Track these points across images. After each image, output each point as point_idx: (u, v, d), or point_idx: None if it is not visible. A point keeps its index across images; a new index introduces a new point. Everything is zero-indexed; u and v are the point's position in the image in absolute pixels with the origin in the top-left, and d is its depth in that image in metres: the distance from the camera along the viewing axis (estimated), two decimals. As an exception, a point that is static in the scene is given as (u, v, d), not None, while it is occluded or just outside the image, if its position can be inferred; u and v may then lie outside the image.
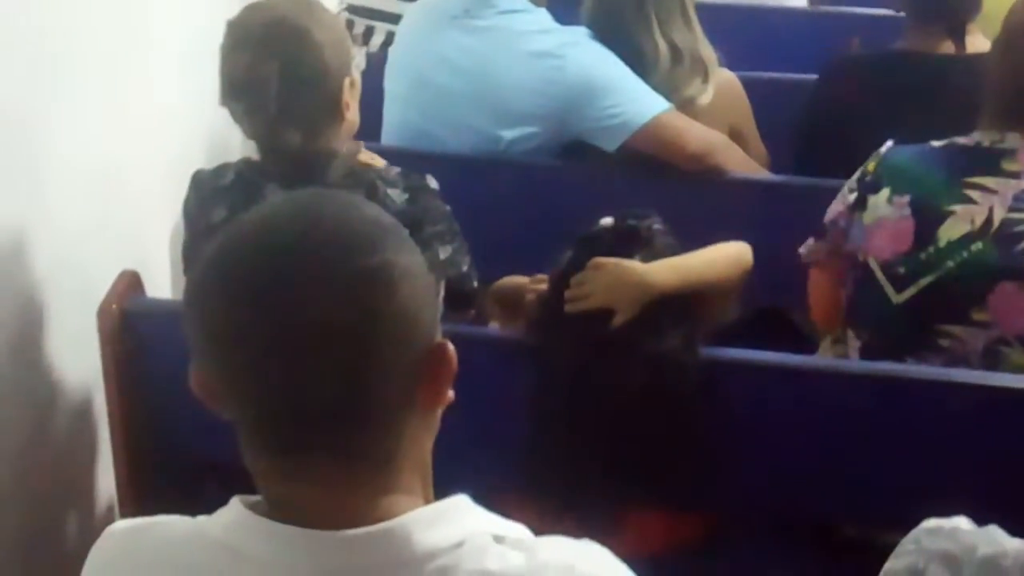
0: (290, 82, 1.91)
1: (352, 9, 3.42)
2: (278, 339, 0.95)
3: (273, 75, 1.90)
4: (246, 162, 2.05)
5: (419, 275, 1.01)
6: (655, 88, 2.63)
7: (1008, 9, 2.12)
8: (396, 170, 2.06)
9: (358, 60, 2.11)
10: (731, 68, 2.84)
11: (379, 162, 2.12)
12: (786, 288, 2.34)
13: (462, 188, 2.23)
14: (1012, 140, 2.02)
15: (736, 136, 2.75)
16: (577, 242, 2.00)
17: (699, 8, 2.82)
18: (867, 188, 2.10)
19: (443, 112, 2.69)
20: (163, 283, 2.58)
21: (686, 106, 2.67)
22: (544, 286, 2.02)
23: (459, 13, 2.70)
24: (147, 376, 2.10)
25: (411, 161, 2.21)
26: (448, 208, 2.11)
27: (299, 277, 0.96)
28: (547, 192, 2.61)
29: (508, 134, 2.64)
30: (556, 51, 2.62)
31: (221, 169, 2.06)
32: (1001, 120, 2.03)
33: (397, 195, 2.00)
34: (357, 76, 2.04)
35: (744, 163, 2.71)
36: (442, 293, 2.02)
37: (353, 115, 2.02)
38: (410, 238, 1.04)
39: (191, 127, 2.70)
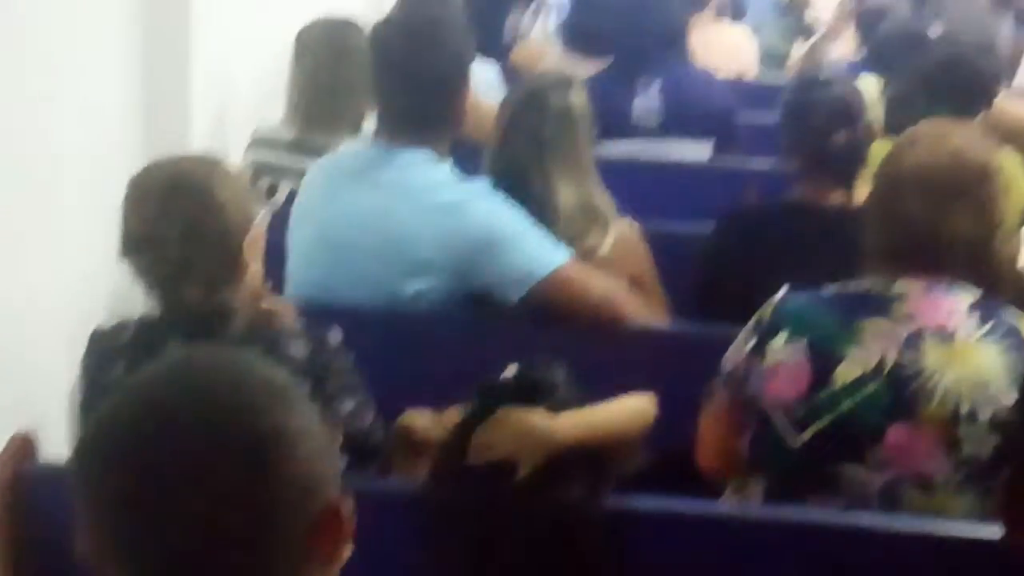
0: (191, 239, 1.92)
1: (257, 166, 3.45)
2: (169, 508, 0.93)
3: (174, 232, 1.91)
4: (145, 319, 2.04)
5: (314, 435, 1.01)
6: (556, 239, 2.67)
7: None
8: (299, 324, 2.06)
9: (261, 215, 2.12)
10: (631, 220, 2.91)
11: (285, 312, 2.12)
12: (691, 435, 2.36)
13: (367, 341, 2.24)
14: (901, 285, 2.08)
15: (636, 285, 2.80)
16: (480, 392, 2.01)
17: (600, 162, 2.90)
18: (764, 334, 2.15)
19: (347, 266, 2.71)
20: (62, 444, 2.53)
21: (586, 256, 2.71)
22: (450, 422, 2.02)
23: (362, 168, 2.74)
24: (40, 544, 2.04)
25: (315, 315, 2.22)
26: (352, 361, 2.10)
27: (188, 444, 0.94)
28: (451, 344, 2.62)
29: (412, 287, 2.65)
30: (458, 204, 2.66)
31: (119, 326, 2.05)
32: (889, 266, 2.10)
33: (299, 349, 2.00)
34: (260, 231, 2.05)
35: (644, 312, 2.75)
36: (339, 444, 2.01)
37: (255, 270, 2.02)
38: (306, 396, 1.04)
39: (92, 282, 2.68)
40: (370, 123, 3.17)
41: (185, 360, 1.03)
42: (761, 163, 3.77)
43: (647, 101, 4.01)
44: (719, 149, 4.12)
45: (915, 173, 2.09)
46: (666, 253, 2.95)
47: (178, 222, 1.91)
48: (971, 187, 2.07)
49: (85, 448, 0.98)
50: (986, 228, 2.09)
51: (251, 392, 0.99)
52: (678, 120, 4.00)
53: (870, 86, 3.64)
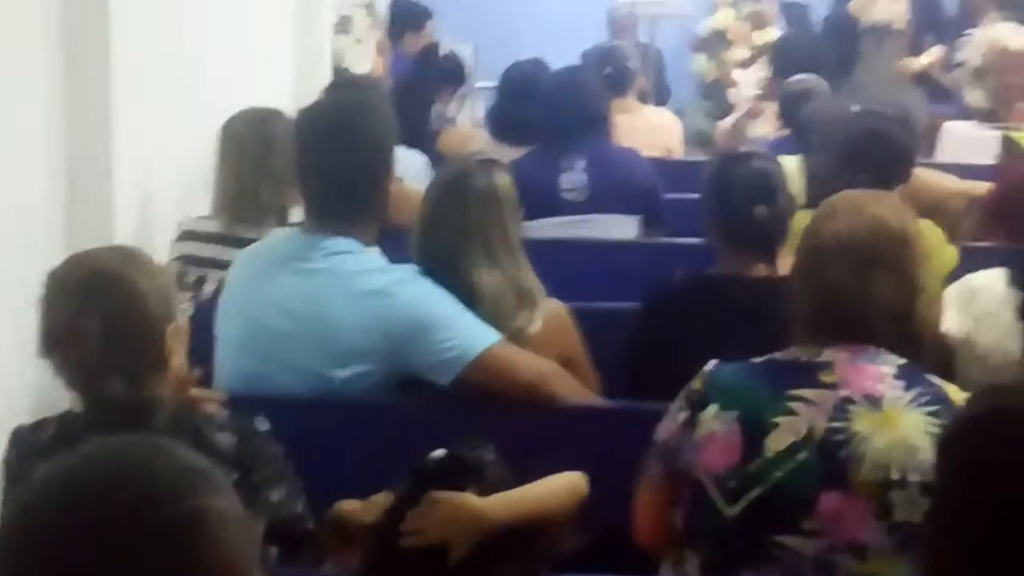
0: (112, 333, 1.90)
1: (184, 259, 3.43)
2: None
3: (94, 326, 1.89)
4: (68, 415, 2.01)
5: (235, 519, 1.00)
6: (485, 320, 2.68)
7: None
8: (224, 414, 2.04)
9: (185, 306, 2.11)
10: (561, 299, 2.92)
11: (212, 401, 2.10)
12: (625, 511, 2.35)
13: (298, 429, 2.22)
14: (828, 354, 2.10)
15: (567, 364, 2.80)
16: (410, 475, 1.99)
17: (528, 242, 2.92)
18: (696, 406, 2.16)
19: (276, 355, 2.69)
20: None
21: (516, 337, 2.71)
22: (381, 507, 2.00)
23: (289, 257, 2.73)
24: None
25: (245, 404, 2.20)
26: (280, 449, 2.08)
27: (106, 532, 0.93)
28: (383, 429, 2.60)
29: (342, 374, 2.64)
30: (386, 289, 2.65)
31: (41, 423, 2.02)
32: (814, 336, 2.13)
33: (225, 439, 1.98)
34: (183, 322, 2.03)
35: (576, 390, 2.75)
36: (262, 530, 1.98)
37: (179, 361, 2.00)
38: (226, 480, 1.03)
39: (13, 379, 2.64)
40: (297, 212, 3.18)
41: (103, 448, 1.02)
42: (688, 240, 3.81)
43: (573, 176, 4.10)
44: (646, 226, 4.18)
45: (836, 244, 2.12)
46: (596, 330, 2.96)
47: (98, 315, 1.89)
48: (891, 255, 2.10)
49: (4, 542, 0.96)
50: (908, 295, 2.12)
51: (170, 476, 0.98)
52: (604, 195, 4.08)
53: (790, 162, 3.70)
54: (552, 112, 4.25)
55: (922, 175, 3.99)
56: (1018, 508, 1.16)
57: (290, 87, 4.99)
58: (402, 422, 2.61)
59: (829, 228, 2.14)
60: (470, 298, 2.70)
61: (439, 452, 2.00)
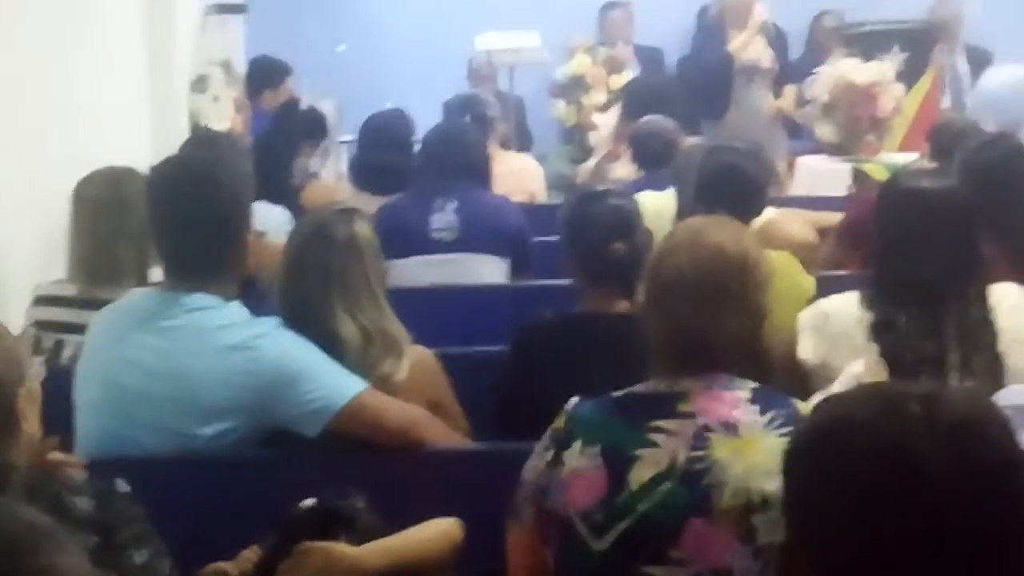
0: (-40, 398, 1.85)
1: (40, 324, 3.36)
2: None
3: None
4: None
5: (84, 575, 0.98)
6: (350, 369, 2.67)
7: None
8: (82, 477, 2.00)
9: (37, 370, 2.06)
10: (431, 344, 2.93)
11: (73, 465, 2.05)
12: (500, 554, 2.36)
13: (161, 490, 2.18)
14: (684, 384, 2.14)
15: (435, 409, 2.80)
16: (279, 527, 1.97)
17: (394, 291, 2.92)
18: (560, 444, 2.18)
19: (139, 416, 2.64)
20: None
21: (383, 384, 2.71)
22: (250, 561, 1.98)
23: (147, 316, 2.69)
24: None
25: (106, 467, 2.15)
26: (143, 511, 2.04)
27: None
28: (249, 484, 2.56)
29: (206, 431, 2.61)
30: (249, 343, 2.63)
31: None
32: (671, 367, 2.16)
33: (84, 503, 1.93)
34: (35, 386, 1.99)
35: (446, 435, 2.76)
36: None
37: (32, 426, 1.96)
38: (74, 540, 1.01)
39: None
40: (156, 271, 3.13)
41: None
42: (555, 281, 3.85)
43: (445, 217, 4.15)
44: (515, 270, 4.22)
45: (679, 278, 2.16)
46: (465, 374, 2.97)
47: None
48: (733, 283, 2.16)
49: None
50: (753, 320, 2.18)
51: (15, 535, 0.96)
52: (473, 237, 4.14)
53: (647, 199, 3.77)
54: (430, 158, 4.34)
55: (778, 217, 4.10)
56: (862, 516, 1.20)
57: (147, 146, 4.92)
58: (269, 476, 2.58)
59: (671, 263, 2.19)
60: (335, 347, 2.69)
61: (308, 502, 1.99)
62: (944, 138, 4.63)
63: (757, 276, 2.18)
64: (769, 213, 4.02)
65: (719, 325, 2.13)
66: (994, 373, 2.52)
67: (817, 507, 1.23)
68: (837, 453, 1.22)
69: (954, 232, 2.61)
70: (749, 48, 6.81)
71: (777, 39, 7.04)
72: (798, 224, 4.21)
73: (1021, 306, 2.64)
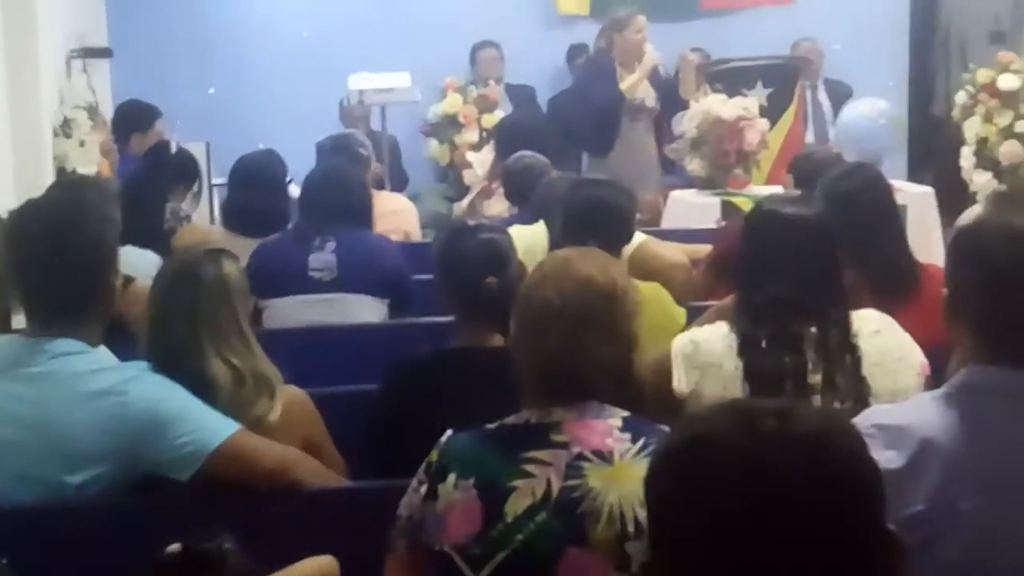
0: None
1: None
2: None
3: None
4: None
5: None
6: (222, 411, 2.63)
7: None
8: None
9: None
10: (308, 384, 2.90)
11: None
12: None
13: (29, 541, 2.12)
14: (557, 414, 2.16)
15: (310, 449, 2.78)
16: (148, 573, 1.93)
17: (271, 331, 2.89)
18: (434, 477, 2.18)
19: (3, 466, 2.57)
20: None
21: (256, 425, 2.68)
22: None
23: (10, 363, 2.63)
24: None
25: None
26: (7, 564, 1.99)
27: None
28: (120, 532, 2.50)
29: (75, 479, 2.54)
30: (117, 388, 2.58)
31: None
32: (543, 397, 2.18)
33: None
34: None
35: (321, 474, 2.73)
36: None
37: None
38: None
39: None
40: (19, 318, 3.06)
41: None
42: (433, 319, 3.85)
43: (322, 256, 4.12)
44: (395, 309, 4.21)
45: (548, 310, 2.17)
46: (341, 414, 2.96)
47: None
48: (601, 314, 2.17)
49: None
50: (622, 349, 2.20)
51: None
52: (352, 277, 4.12)
53: (520, 234, 3.79)
54: (310, 198, 4.32)
55: (651, 245, 4.17)
56: (720, 530, 1.21)
57: (10, 191, 4.82)
58: (140, 523, 2.53)
59: (539, 296, 2.20)
60: (206, 389, 2.65)
61: (174, 547, 1.95)
62: (804, 169, 4.77)
63: (626, 306, 2.21)
64: (637, 236, 4.09)
65: (589, 355, 2.15)
66: (858, 394, 2.58)
67: (677, 523, 1.24)
68: (694, 469, 1.24)
69: (814, 255, 2.67)
70: (639, 87, 6.91)
71: (661, 79, 7.15)
72: (670, 246, 4.28)
73: (882, 331, 2.70)
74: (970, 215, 2.74)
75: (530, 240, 3.98)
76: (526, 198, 4.84)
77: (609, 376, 2.17)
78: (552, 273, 2.22)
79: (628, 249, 3.83)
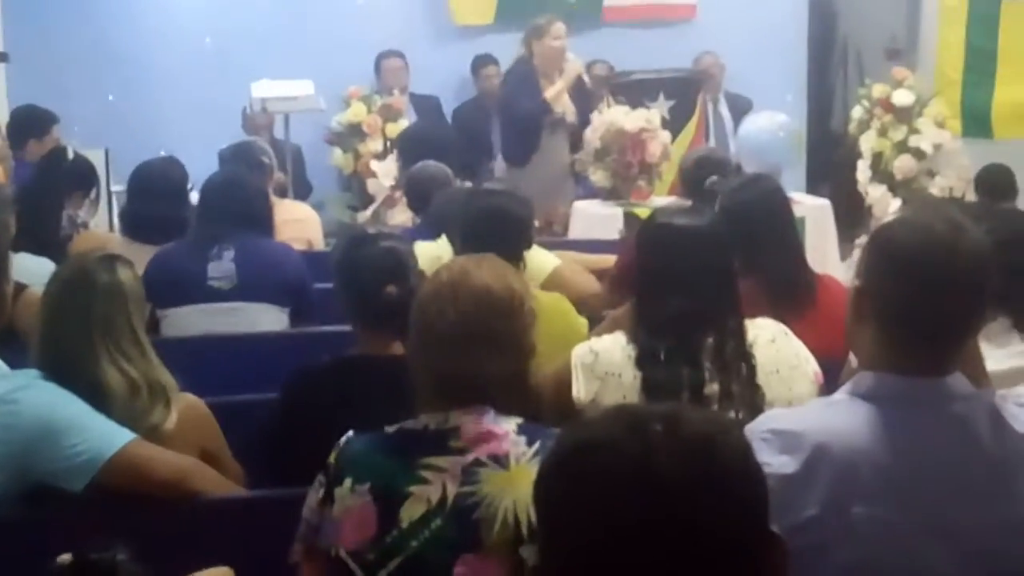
0: None
1: None
2: None
3: None
4: None
5: None
6: (117, 420, 2.60)
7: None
8: None
9: None
10: (209, 393, 2.87)
11: None
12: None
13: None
14: (455, 419, 2.16)
15: (208, 458, 2.75)
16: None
17: (169, 340, 2.85)
18: (331, 482, 2.17)
19: None
20: None
21: (152, 434, 2.65)
22: None
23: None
24: None
25: None
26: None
27: None
28: (12, 544, 2.46)
29: (-37, 490, 2.49)
30: (8, 396, 2.54)
31: None
32: (439, 402, 2.18)
33: None
34: None
35: (219, 483, 2.71)
36: None
37: None
38: None
39: None
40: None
41: None
42: (335, 327, 3.83)
43: (222, 265, 4.08)
44: (295, 317, 4.18)
45: (442, 320, 2.17)
46: (243, 422, 2.94)
47: None
48: (497, 324, 2.18)
49: None
50: (518, 357, 2.21)
51: None
52: (252, 285, 4.08)
53: (426, 251, 3.78)
54: (209, 205, 4.26)
55: (564, 268, 4.16)
56: (607, 530, 1.22)
57: (-100, 198, 4.70)
58: (30, 535, 2.48)
59: (435, 308, 2.19)
60: (99, 398, 2.62)
61: (65, 557, 1.91)
62: (690, 173, 4.87)
63: (523, 315, 2.21)
64: (550, 260, 4.10)
65: (484, 365, 2.15)
66: (752, 403, 2.61)
67: (565, 529, 1.25)
68: (582, 471, 1.25)
69: (708, 265, 2.70)
70: (561, 100, 6.87)
71: (580, 91, 7.10)
72: (583, 276, 4.28)
73: (777, 340, 2.74)
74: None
75: (434, 257, 3.96)
76: (428, 208, 4.84)
77: (505, 386, 2.17)
78: (449, 282, 2.21)
79: (540, 275, 3.85)
